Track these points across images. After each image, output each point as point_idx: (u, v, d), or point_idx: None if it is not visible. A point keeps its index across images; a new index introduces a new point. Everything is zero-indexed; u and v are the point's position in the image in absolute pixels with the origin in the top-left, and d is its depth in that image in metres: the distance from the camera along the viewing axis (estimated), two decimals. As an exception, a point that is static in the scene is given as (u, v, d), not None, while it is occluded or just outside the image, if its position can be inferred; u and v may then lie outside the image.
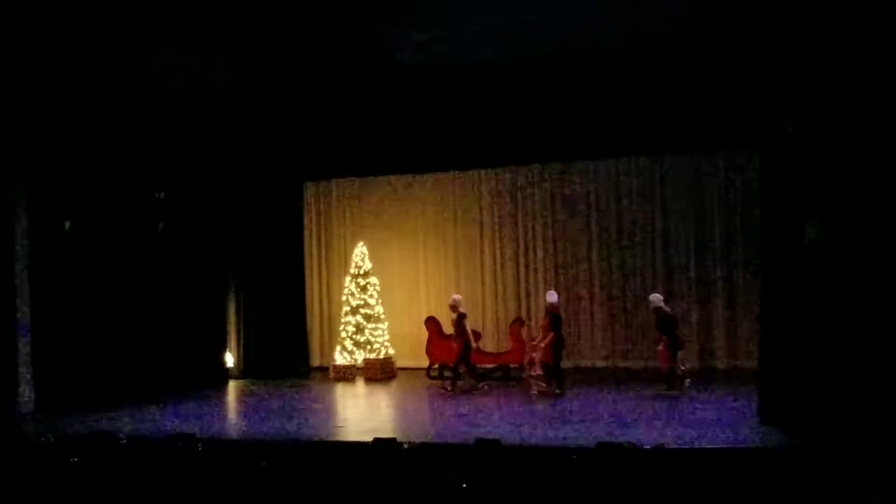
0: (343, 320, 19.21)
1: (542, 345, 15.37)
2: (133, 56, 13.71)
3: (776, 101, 12.02)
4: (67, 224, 15.89)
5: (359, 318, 18.98)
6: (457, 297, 16.65)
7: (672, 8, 12.79)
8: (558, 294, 16.78)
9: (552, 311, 15.60)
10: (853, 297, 10.89)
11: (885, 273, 10.74)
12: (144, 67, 13.93)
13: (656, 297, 15.87)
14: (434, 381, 17.11)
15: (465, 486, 7.19)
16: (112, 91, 14.21)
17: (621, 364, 18.56)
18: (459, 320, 16.15)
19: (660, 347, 15.46)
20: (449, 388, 16.07)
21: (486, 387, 16.23)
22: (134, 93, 14.37)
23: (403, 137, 16.99)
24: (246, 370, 19.18)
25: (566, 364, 18.59)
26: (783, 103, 11.90)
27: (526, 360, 15.93)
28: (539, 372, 15.51)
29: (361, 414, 15.34)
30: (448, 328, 17.66)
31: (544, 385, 15.42)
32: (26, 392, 15.24)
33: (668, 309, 15.82)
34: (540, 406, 14.43)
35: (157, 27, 13.05)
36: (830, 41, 11.10)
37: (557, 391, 15.23)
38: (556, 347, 15.38)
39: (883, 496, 7.19)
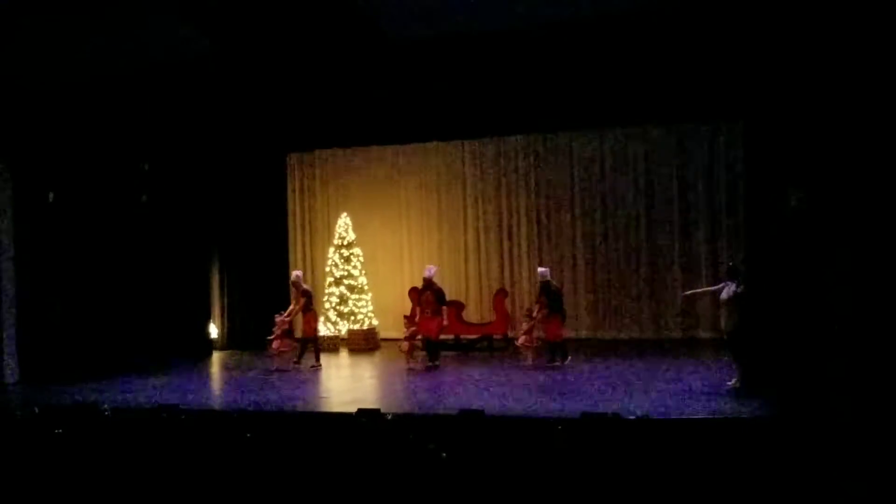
0: (327, 291, 19.20)
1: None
2: (115, 29, 13.63)
3: (761, 72, 12.03)
4: (51, 195, 15.79)
5: (342, 289, 18.98)
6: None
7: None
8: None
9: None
10: (835, 264, 10.96)
11: (864, 241, 10.81)
12: (126, 40, 13.85)
13: (545, 271, 15.74)
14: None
15: (444, 455, 7.19)
16: (94, 63, 14.13)
17: (606, 335, 18.59)
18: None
19: (540, 320, 15.27)
20: (435, 362, 15.94)
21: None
22: (116, 65, 14.28)
23: (387, 107, 16.97)
24: (230, 341, 19.17)
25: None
26: (768, 75, 11.92)
27: (521, 334, 15.70)
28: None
29: (345, 385, 15.34)
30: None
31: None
32: (11, 363, 15.22)
33: (555, 283, 15.89)
34: (524, 377, 14.45)
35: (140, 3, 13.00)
36: (815, 16, 11.12)
37: (558, 363, 15.24)
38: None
39: (858, 467, 7.26)
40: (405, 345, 15.71)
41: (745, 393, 12.14)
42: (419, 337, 15.95)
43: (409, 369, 15.40)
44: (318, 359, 16.27)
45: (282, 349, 15.83)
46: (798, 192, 11.36)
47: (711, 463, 7.21)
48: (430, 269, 16.10)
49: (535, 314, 15.37)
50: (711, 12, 13.31)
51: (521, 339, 15.54)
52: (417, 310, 16.04)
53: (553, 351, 15.34)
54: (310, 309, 16.22)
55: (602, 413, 8.92)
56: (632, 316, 18.47)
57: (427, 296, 15.82)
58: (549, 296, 15.26)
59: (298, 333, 16.73)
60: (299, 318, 16.43)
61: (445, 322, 16.11)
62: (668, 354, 16.20)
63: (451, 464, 7.19)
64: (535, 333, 15.43)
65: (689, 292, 15.26)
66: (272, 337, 16.02)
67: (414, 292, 16.62)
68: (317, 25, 14.33)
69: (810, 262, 11.24)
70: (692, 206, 18.19)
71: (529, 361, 15.24)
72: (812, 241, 11.21)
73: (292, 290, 16.45)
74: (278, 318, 16.08)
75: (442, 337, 17.47)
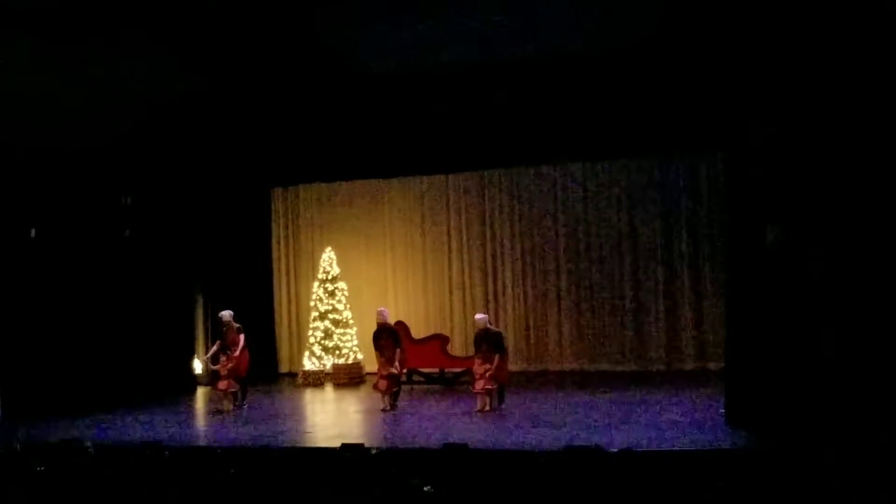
0: (311, 326, 19.18)
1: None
2: (99, 62, 13.68)
3: (740, 106, 12.13)
4: (33, 231, 15.77)
5: (327, 323, 18.96)
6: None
7: (640, 18, 12.92)
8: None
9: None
10: (814, 298, 11.04)
11: (842, 274, 10.90)
12: (111, 73, 13.89)
13: (483, 318, 15.09)
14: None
15: (428, 488, 7.19)
16: (76, 97, 14.14)
17: (589, 367, 18.59)
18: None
19: (487, 365, 14.29)
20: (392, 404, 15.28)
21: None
22: (100, 99, 14.30)
23: (370, 142, 17.06)
24: (214, 377, 19.03)
25: (536, 367, 18.76)
26: (747, 108, 12.02)
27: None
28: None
29: (329, 419, 15.31)
30: (417, 332, 17.75)
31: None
32: (-8, 400, 15.15)
33: (494, 327, 15.58)
34: (508, 410, 14.44)
35: (122, 34, 13.03)
36: (795, 50, 11.24)
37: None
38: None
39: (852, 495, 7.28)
40: (382, 383, 15.18)
41: (732, 423, 12.14)
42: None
43: (383, 409, 15.05)
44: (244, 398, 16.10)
45: (230, 389, 15.66)
46: (775, 227, 11.45)
47: (696, 496, 7.22)
48: (384, 312, 15.62)
49: (493, 360, 14.31)
50: (690, 44, 13.46)
51: (481, 385, 14.44)
52: (376, 354, 15.33)
53: (500, 393, 14.76)
54: (247, 348, 16.02)
55: (585, 446, 8.93)
56: (615, 348, 18.49)
57: (384, 339, 15.27)
58: (496, 340, 14.65)
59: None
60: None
61: (397, 370, 15.19)
62: (651, 386, 16.21)
63: (435, 498, 7.18)
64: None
65: None
66: (222, 377, 15.75)
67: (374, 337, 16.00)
68: (298, 61, 14.43)
69: (790, 297, 11.30)
70: (675, 238, 18.26)
71: (488, 407, 14.39)
72: (792, 275, 11.29)
73: (227, 330, 15.79)
74: (223, 358, 15.80)
75: (426, 370, 17.50)
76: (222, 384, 15.65)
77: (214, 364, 16.00)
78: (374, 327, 15.58)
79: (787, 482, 7.58)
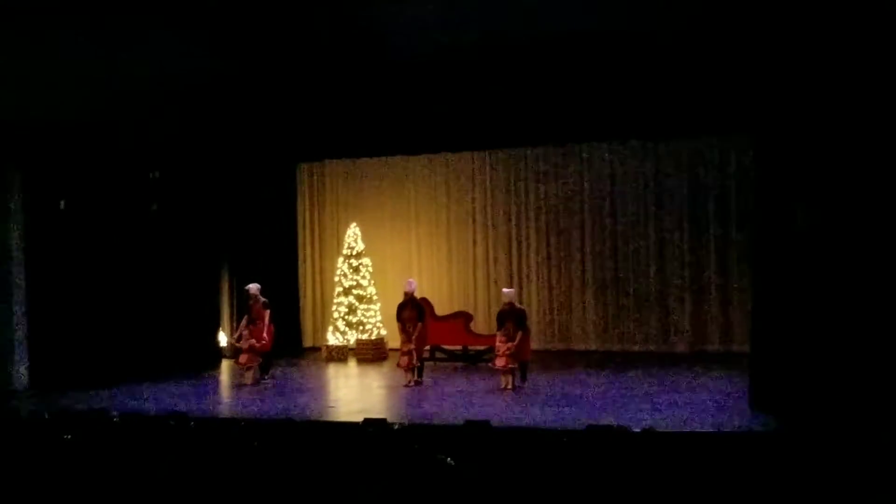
0: (335, 301, 19.24)
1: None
2: (128, 41, 13.72)
3: (772, 87, 12.03)
4: (63, 203, 15.87)
5: (351, 298, 19.01)
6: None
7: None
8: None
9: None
10: (843, 282, 10.96)
11: (873, 258, 10.81)
12: (139, 52, 13.93)
13: (511, 292, 15.28)
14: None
15: (451, 462, 7.21)
16: (107, 73, 14.18)
17: (613, 348, 18.57)
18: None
19: (510, 343, 14.38)
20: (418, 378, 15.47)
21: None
22: (129, 76, 14.34)
23: (397, 118, 16.99)
24: (239, 350, 19.16)
25: (560, 346, 18.75)
26: (779, 90, 11.92)
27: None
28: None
29: (353, 394, 15.37)
30: (441, 309, 17.77)
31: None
32: (21, 370, 15.29)
33: (519, 305, 15.53)
34: (531, 389, 14.45)
35: (154, 12, 13.07)
36: (830, 32, 11.14)
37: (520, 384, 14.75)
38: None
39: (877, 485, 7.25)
40: (404, 360, 15.32)
41: (757, 407, 12.10)
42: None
43: (406, 385, 15.16)
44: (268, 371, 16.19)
45: (250, 364, 15.75)
46: (806, 209, 11.37)
47: (718, 478, 7.21)
48: (411, 284, 15.79)
49: (516, 337, 14.46)
50: (723, 24, 13.34)
51: (502, 362, 14.52)
52: (399, 327, 15.49)
53: (522, 370, 14.87)
54: (272, 322, 16.13)
55: (607, 425, 8.93)
56: (640, 328, 18.45)
57: (408, 311, 15.41)
58: (520, 318, 14.78)
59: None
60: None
61: (415, 345, 15.32)
62: (675, 367, 16.19)
63: (456, 474, 7.21)
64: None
65: None
66: (244, 351, 15.87)
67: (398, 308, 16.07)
68: (325, 38, 14.41)
69: (818, 281, 11.23)
70: (702, 221, 18.17)
71: (510, 386, 14.49)
72: (820, 260, 11.21)
73: (254, 303, 15.94)
74: (246, 332, 15.91)
75: (449, 347, 17.53)
76: (243, 358, 15.75)
77: (240, 342, 16.09)
78: (397, 303, 15.64)
79: (810, 466, 7.56)
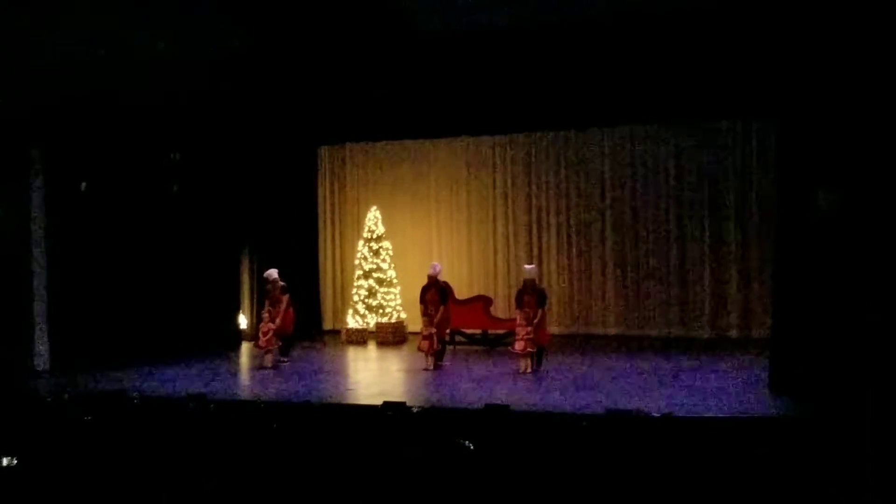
0: (355, 284, 19.26)
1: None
2: (149, 18, 13.71)
3: (795, 71, 11.94)
4: (84, 184, 15.92)
5: (371, 282, 19.02)
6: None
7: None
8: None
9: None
10: (865, 266, 10.88)
11: (892, 242, 10.72)
12: (161, 29, 13.92)
13: (533, 268, 15.40)
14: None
15: (470, 445, 7.21)
16: (128, 52, 14.19)
17: (633, 332, 18.53)
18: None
19: (529, 327, 14.32)
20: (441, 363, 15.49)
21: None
22: (150, 55, 14.34)
23: (418, 102, 16.95)
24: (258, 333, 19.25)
25: (579, 330, 18.74)
26: (802, 74, 11.83)
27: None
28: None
29: (372, 377, 15.39)
30: (461, 293, 17.76)
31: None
32: (42, 351, 15.36)
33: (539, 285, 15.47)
34: (550, 373, 14.43)
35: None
36: (854, 15, 11.03)
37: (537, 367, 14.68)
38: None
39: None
40: (425, 343, 15.31)
41: (777, 392, 12.04)
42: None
43: (425, 369, 15.16)
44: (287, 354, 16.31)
45: (269, 346, 15.80)
46: (828, 193, 11.28)
47: (738, 463, 7.19)
48: (435, 267, 15.82)
49: (534, 318, 14.39)
50: (748, 7, 13.24)
51: (521, 346, 14.45)
52: (421, 309, 15.51)
53: (539, 355, 14.78)
54: (291, 306, 16.17)
55: (626, 410, 8.91)
56: (660, 313, 18.40)
57: (431, 294, 15.44)
58: (539, 295, 14.73)
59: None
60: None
61: (437, 329, 15.30)
62: (695, 352, 16.15)
63: (475, 458, 7.21)
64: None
65: None
66: (263, 334, 15.91)
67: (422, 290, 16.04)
68: (350, 18, 14.36)
69: (838, 265, 11.15)
70: (723, 205, 18.07)
71: (529, 369, 14.45)
72: (842, 244, 11.13)
73: (272, 288, 16.01)
74: (265, 316, 15.97)
75: (469, 331, 17.52)
76: (262, 341, 15.81)
77: (260, 325, 16.17)
78: (417, 286, 15.67)
79: (830, 451, 7.53)
